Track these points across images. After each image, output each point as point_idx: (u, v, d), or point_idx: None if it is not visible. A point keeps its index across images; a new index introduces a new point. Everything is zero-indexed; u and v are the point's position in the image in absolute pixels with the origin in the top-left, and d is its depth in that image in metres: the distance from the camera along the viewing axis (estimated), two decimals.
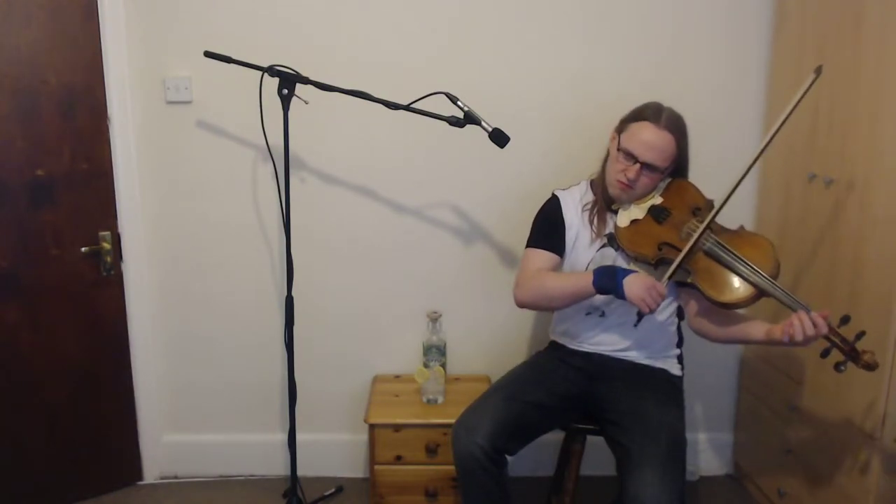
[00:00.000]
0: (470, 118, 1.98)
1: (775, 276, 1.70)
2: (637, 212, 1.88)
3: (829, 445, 1.98)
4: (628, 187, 1.85)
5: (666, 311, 1.95)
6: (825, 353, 1.65)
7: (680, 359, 2.02)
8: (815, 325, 1.59)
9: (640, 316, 1.79)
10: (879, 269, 1.77)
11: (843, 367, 1.62)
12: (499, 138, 1.96)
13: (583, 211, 1.96)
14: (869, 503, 1.81)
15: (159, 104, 2.32)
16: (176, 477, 2.58)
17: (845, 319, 1.62)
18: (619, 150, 1.86)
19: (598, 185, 1.95)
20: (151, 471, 2.55)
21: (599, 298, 1.89)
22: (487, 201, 2.42)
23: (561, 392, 1.92)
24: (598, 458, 2.17)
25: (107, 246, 2.30)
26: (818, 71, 1.69)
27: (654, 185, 1.89)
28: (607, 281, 1.75)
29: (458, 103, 1.99)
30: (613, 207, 1.93)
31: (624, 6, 2.29)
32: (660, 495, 1.59)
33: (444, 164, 2.38)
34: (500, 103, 2.26)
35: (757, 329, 1.74)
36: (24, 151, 2.12)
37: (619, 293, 1.73)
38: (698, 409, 2.59)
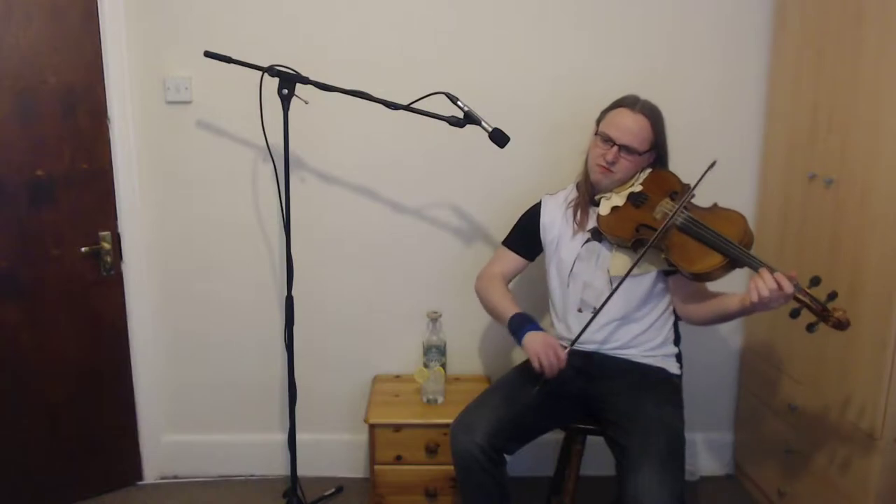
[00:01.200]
0: (470, 118, 1.98)
1: (747, 246, 1.72)
2: (618, 199, 1.93)
3: (829, 445, 1.98)
4: (608, 170, 1.91)
5: (659, 306, 1.95)
6: (795, 314, 1.64)
7: (679, 357, 2.02)
8: (779, 285, 1.58)
9: (540, 380, 1.81)
10: (879, 268, 1.77)
11: (815, 328, 1.61)
12: (499, 138, 1.96)
13: (567, 208, 2.02)
14: (869, 503, 1.81)
15: (159, 104, 2.32)
16: (176, 477, 2.58)
17: (815, 280, 1.61)
18: (597, 135, 1.94)
19: (582, 180, 2.01)
20: (151, 471, 2.55)
21: (589, 294, 1.95)
22: (487, 201, 2.42)
23: (560, 392, 1.92)
24: (598, 458, 2.17)
25: (107, 246, 2.30)
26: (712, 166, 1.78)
27: (635, 169, 1.93)
28: (516, 326, 1.88)
29: (458, 103, 1.99)
30: (596, 198, 1.97)
31: (624, 7, 2.29)
32: (659, 495, 1.59)
33: (444, 164, 2.38)
34: (500, 103, 2.26)
35: (733, 301, 1.75)
36: (24, 151, 2.12)
37: (519, 341, 1.86)
38: (698, 409, 2.59)
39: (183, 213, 2.40)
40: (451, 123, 1.98)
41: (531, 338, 1.83)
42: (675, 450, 1.73)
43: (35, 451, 2.30)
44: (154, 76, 2.29)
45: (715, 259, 1.72)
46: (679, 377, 1.99)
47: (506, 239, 2.14)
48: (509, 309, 1.94)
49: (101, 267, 2.31)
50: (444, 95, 1.98)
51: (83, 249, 2.27)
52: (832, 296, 1.60)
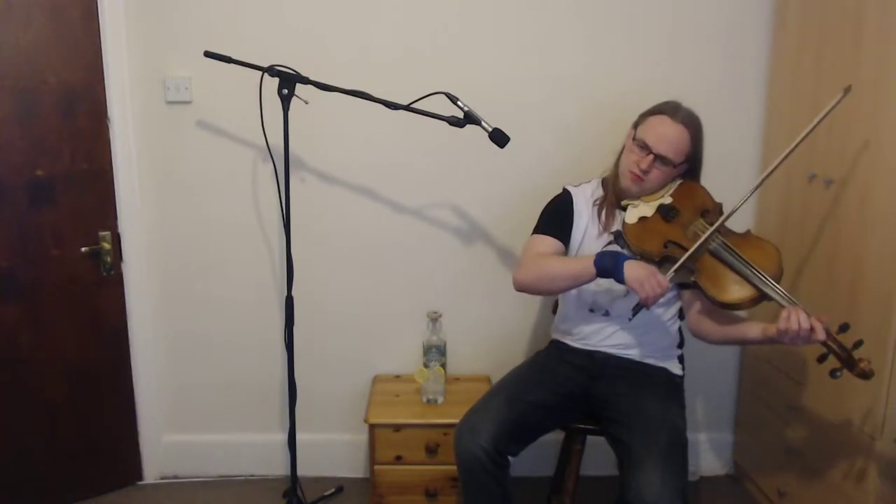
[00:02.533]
0: (470, 118, 1.98)
1: (778, 280, 1.69)
2: (646, 209, 1.88)
3: (829, 445, 1.98)
4: (639, 179, 1.86)
5: (669, 311, 1.95)
6: (822, 359, 1.65)
7: (681, 359, 2.02)
8: (812, 328, 1.57)
9: (637, 308, 1.74)
10: (879, 268, 1.77)
11: (838, 374, 1.61)
12: (499, 138, 1.96)
13: (592, 206, 1.97)
14: (869, 503, 1.81)
15: (159, 104, 2.32)
16: (176, 477, 2.58)
17: (844, 327, 1.61)
18: (633, 140, 1.87)
19: (610, 181, 1.96)
20: (151, 471, 2.55)
21: (603, 296, 1.91)
22: (487, 201, 2.42)
23: (563, 391, 1.92)
24: (598, 458, 2.17)
25: (107, 246, 2.30)
26: (847, 90, 1.71)
27: (666, 180, 1.89)
28: (609, 262, 1.74)
29: (458, 103, 1.99)
30: (623, 204, 1.92)
31: (624, 7, 2.28)
32: (661, 492, 1.59)
33: (444, 164, 2.38)
34: (500, 103, 2.26)
35: (754, 329, 1.74)
36: (24, 151, 2.12)
37: (619, 275, 1.72)
38: (698, 409, 2.59)
39: (183, 212, 2.40)
40: (451, 123, 1.98)
41: (630, 269, 1.71)
42: (678, 447, 1.73)
43: (35, 451, 2.30)
44: (154, 76, 2.29)
45: (747, 292, 1.69)
46: (681, 377, 2.00)
47: (538, 228, 1.99)
48: (582, 259, 1.81)
49: (101, 267, 2.31)
50: (444, 95, 1.98)
51: (83, 249, 2.27)
52: (857, 344, 1.60)
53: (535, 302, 2.47)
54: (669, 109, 1.85)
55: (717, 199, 1.89)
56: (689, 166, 1.91)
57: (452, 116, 1.99)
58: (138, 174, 2.34)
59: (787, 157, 1.76)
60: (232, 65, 2.07)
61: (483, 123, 1.97)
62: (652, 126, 1.85)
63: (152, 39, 2.27)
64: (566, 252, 1.98)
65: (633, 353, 1.95)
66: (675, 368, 1.99)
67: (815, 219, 2.04)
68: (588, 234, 1.95)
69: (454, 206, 2.42)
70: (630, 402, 1.84)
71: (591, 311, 1.96)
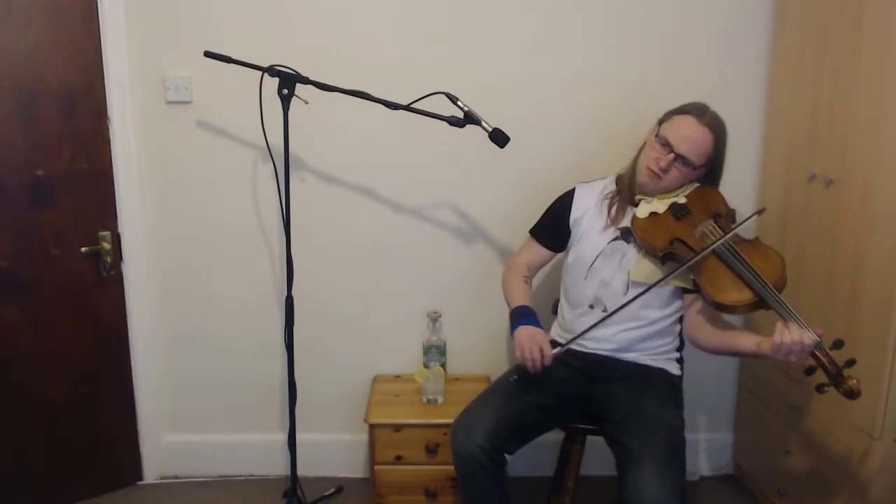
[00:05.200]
0: (470, 118, 1.97)
1: (779, 290, 1.68)
2: (659, 206, 1.88)
3: (829, 445, 1.98)
4: (657, 176, 1.86)
5: (670, 315, 1.94)
6: (810, 371, 1.62)
7: (680, 360, 2.02)
8: (802, 342, 1.56)
9: (519, 370, 1.87)
10: (879, 269, 1.77)
11: (825, 389, 1.58)
12: (499, 138, 1.96)
13: (602, 200, 1.97)
14: (869, 503, 1.81)
15: (159, 104, 2.32)
16: (176, 477, 2.58)
17: (838, 343, 1.59)
18: (657, 137, 1.87)
19: (626, 176, 1.96)
20: (151, 471, 2.55)
21: (604, 291, 1.92)
22: (487, 201, 2.42)
23: (560, 391, 1.92)
24: (598, 458, 2.17)
25: (107, 246, 2.30)
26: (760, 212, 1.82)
27: (683, 181, 1.89)
28: (514, 318, 1.90)
29: (458, 103, 1.98)
30: (636, 200, 1.92)
31: (624, 7, 2.28)
32: (659, 492, 1.59)
33: (444, 164, 2.38)
34: (500, 103, 2.26)
35: (749, 341, 1.72)
36: (24, 151, 2.12)
37: (512, 331, 1.86)
38: (698, 409, 2.59)
39: (183, 212, 2.40)
40: (451, 123, 1.98)
41: (521, 331, 1.83)
42: (676, 447, 1.73)
43: (35, 451, 2.30)
44: (154, 76, 2.29)
45: (744, 295, 1.68)
46: (679, 378, 1.99)
47: (534, 227, 2.09)
48: (514, 301, 1.95)
49: (101, 267, 2.31)
50: (444, 95, 1.98)
51: (83, 249, 2.27)
52: (850, 362, 1.58)
53: (534, 302, 2.46)
54: (696, 110, 1.84)
55: (732, 206, 1.89)
56: (709, 171, 1.91)
57: (452, 116, 1.99)
58: (138, 174, 2.34)
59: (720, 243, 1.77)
60: (232, 65, 2.07)
61: (483, 123, 1.97)
62: (676, 125, 1.84)
63: (152, 39, 2.27)
64: (555, 255, 2.07)
65: (631, 356, 1.95)
66: (674, 369, 1.98)
67: (816, 219, 2.04)
68: (591, 228, 1.95)
69: (454, 205, 2.43)
70: (628, 402, 1.84)
71: (591, 306, 1.95)
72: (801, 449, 2.12)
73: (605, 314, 1.87)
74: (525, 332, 1.82)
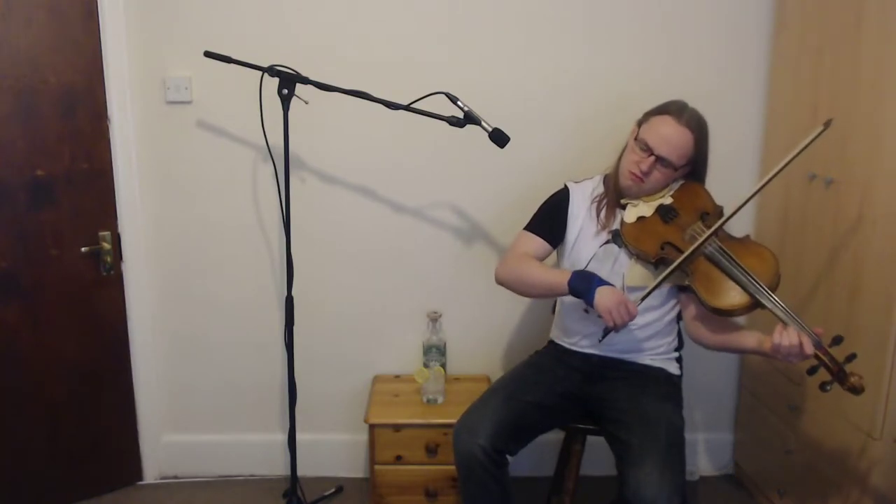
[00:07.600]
0: (470, 118, 1.97)
1: (773, 289, 1.67)
2: (645, 209, 1.87)
3: (829, 445, 1.98)
4: (639, 179, 1.84)
5: (668, 314, 1.94)
6: (812, 371, 1.62)
7: (679, 360, 2.02)
8: (801, 344, 1.56)
9: (606, 331, 1.75)
10: (879, 269, 1.77)
11: (828, 387, 1.59)
12: (499, 138, 1.96)
13: (591, 203, 1.96)
14: (869, 503, 1.81)
15: (159, 104, 2.32)
16: (176, 477, 2.58)
17: (837, 340, 1.59)
18: (636, 140, 1.85)
19: (611, 179, 1.94)
20: (151, 471, 2.55)
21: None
22: (487, 201, 2.42)
23: (560, 391, 1.92)
24: (598, 458, 2.17)
25: (107, 246, 2.30)
26: (827, 124, 1.69)
27: (666, 181, 1.88)
28: (582, 284, 1.74)
29: (458, 103, 1.98)
30: (622, 202, 1.91)
31: (624, 7, 2.28)
32: (659, 489, 1.59)
33: (444, 164, 2.38)
34: (500, 103, 2.26)
35: (750, 339, 1.72)
36: (24, 151, 2.12)
37: (590, 299, 1.72)
38: (698, 409, 2.59)
39: (183, 212, 2.40)
40: (451, 123, 1.98)
41: (601, 296, 1.70)
42: (676, 444, 1.73)
43: (35, 451, 2.30)
44: (154, 76, 2.29)
45: (741, 299, 1.67)
46: (679, 377, 1.99)
47: (529, 224, 2.01)
48: (559, 273, 1.81)
49: (101, 267, 2.31)
50: (444, 95, 1.98)
51: (83, 249, 2.27)
52: (850, 357, 1.58)
53: (534, 302, 2.47)
54: (675, 110, 1.82)
55: (719, 202, 1.88)
56: (693, 168, 1.89)
57: (452, 116, 1.98)
58: (138, 174, 2.34)
59: (764, 186, 1.74)
60: (232, 65, 2.07)
61: (483, 123, 1.97)
62: (655, 126, 1.82)
63: (152, 39, 2.27)
64: (553, 252, 1.99)
65: (631, 357, 1.95)
66: (673, 368, 1.98)
67: (816, 219, 2.04)
68: (584, 232, 1.94)
69: (454, 206, 2.43)
70: (628, 400, 1.84)
71: (586, 311, 1.94)
72: (801, 449, 2.12)
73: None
74: (606, 294, 1.70)
